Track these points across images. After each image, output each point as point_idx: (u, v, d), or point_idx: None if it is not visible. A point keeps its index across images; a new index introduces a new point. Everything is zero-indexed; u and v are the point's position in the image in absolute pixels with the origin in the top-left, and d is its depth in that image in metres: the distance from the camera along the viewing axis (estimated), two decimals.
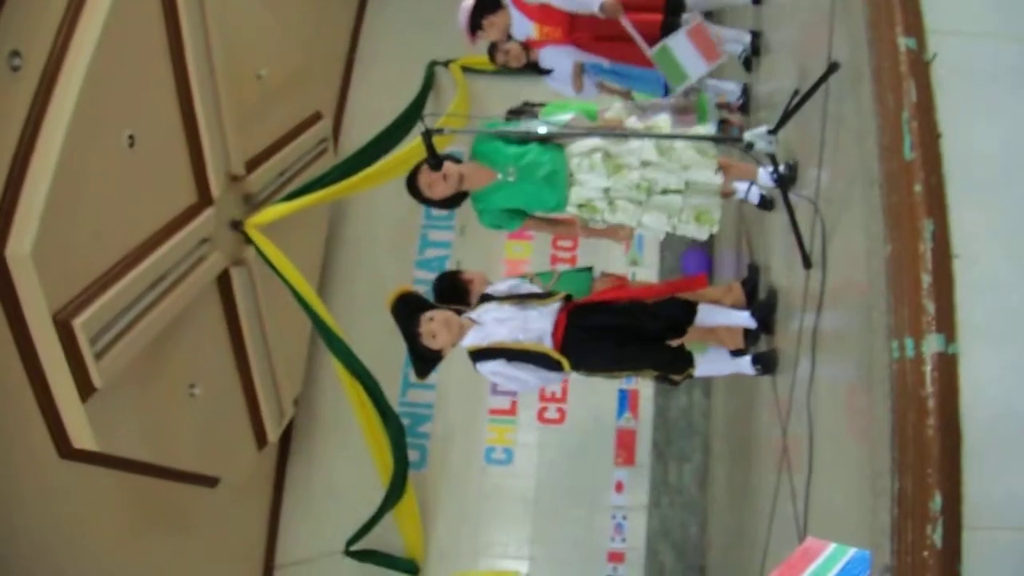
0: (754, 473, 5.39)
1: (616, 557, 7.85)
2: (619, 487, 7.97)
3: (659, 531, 7.80)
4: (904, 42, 2.75)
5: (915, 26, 2.79)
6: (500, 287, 5.01)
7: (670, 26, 5.14)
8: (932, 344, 2.43)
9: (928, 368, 2.42)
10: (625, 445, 8.05)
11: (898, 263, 2.54)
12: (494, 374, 4.81)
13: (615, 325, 4.75)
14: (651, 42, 5.05)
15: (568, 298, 4.83)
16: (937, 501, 2.33)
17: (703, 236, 4.80)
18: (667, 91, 6.02)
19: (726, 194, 4.94)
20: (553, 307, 4.74)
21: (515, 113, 5.84)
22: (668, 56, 4.74)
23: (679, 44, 4.70)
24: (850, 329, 3.37)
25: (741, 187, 4.96)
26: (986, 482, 2.39)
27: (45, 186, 4.74)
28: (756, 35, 5.72)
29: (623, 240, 5.24)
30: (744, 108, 6.03)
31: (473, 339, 4.75)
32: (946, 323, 2.46)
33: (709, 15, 6.30)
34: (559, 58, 6.02)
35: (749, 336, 5.19)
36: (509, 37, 5.75)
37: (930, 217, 2.55)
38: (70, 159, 4.86)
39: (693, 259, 7.74)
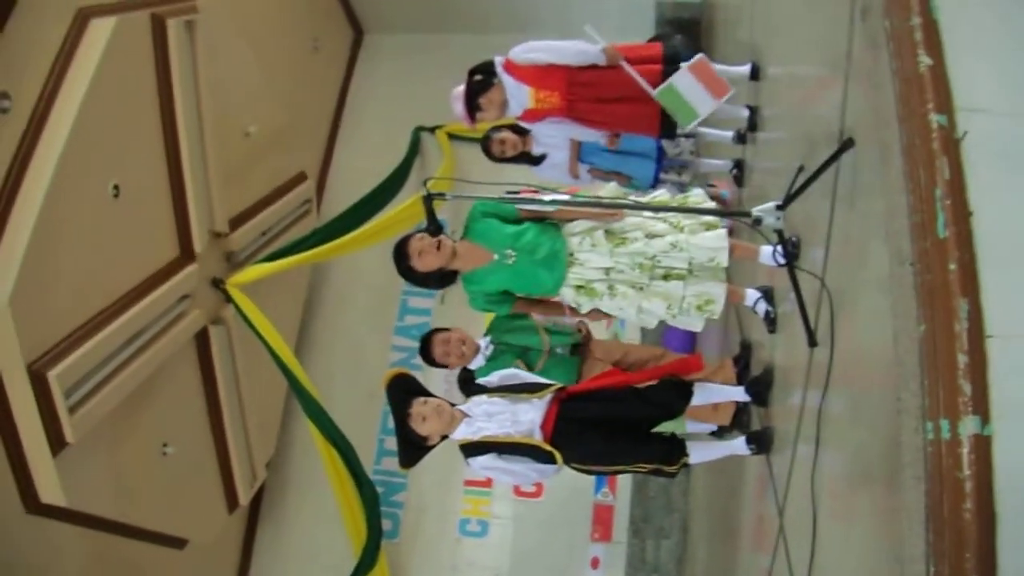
0: (740, 554, 5.27)
1: None
2: (595, 563, 7.85)
3: None
4: (936, 119, 2.71)
5: (945, 103, 2.76)
6: (493, 379, 4.84)
7: (670, 76, 5.02)
8: (969, 426, 2.37)
9: (965, 450, 2.35)
10: (602, 520, 7.95)
11: (933, 343, 2.47)
12: (486, 469, 4.65)
13: (605, 417, 4.59)
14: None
15: (561, 389, 4.70)
16: None
17: (699, 328, 4.70)
18: (656, 182, 6.01)
19: (734, 298, 4.82)
20: (545, 399, 4.61)
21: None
22: (674, 94, 4.64)
23: (684, 81, 4.62)
24: (864, 409, 3.30)
25: (751, 296, 4.85)
26: (1021, 566, 2.31)
27: (27, 233, 4.68)
28: (753, 111, 5.72)
29: (604, 320, 5.13)
30: (739, 182, 6.01)
31: (463, 432, 4.60)
32: (982, 404, 2.40)
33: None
34: (555, 139, 5.97)
35: (739, 414, 5.11)
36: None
37: (964, 296, 2.50)
38: (54, 206, 4.79)
39: (676, 334, 7.66)
